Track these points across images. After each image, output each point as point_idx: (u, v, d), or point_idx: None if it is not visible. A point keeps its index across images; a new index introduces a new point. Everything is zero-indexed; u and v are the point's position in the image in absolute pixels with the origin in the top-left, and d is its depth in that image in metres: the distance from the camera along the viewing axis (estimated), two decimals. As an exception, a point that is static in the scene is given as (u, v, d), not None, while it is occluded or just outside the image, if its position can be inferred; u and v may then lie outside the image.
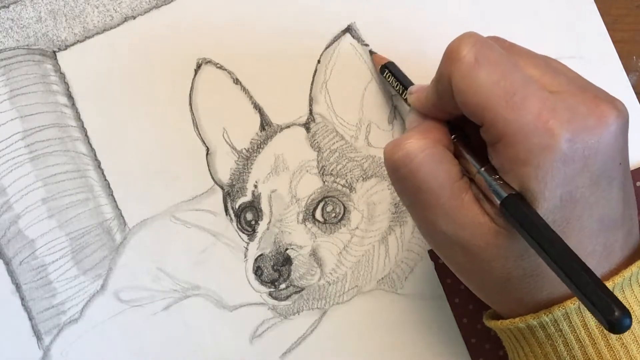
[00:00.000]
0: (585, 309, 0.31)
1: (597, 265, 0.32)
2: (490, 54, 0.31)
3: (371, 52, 0.43)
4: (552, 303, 0.32)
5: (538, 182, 0.30)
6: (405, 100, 0.38)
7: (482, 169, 0.33)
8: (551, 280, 0.32)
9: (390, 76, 0.40)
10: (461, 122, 0.34)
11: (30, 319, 0.43)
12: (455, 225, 0.32)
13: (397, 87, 0.40)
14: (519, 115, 0.30)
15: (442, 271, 0.42)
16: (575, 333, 0.32)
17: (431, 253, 0.43)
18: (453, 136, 0.35)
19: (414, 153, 0.33)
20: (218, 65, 0.43)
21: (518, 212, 0.30)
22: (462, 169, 0.34)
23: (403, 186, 0.34)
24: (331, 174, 0.43)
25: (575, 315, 0.32)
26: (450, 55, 0.32)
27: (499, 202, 0.31)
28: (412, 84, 0.39)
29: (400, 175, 0.33)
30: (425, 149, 0.33)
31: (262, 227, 0.43)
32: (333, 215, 0.42)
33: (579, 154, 0.30)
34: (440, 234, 0.33)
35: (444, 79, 0.32)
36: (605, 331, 0.31)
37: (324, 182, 0.43)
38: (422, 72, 0.43)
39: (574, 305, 0.32)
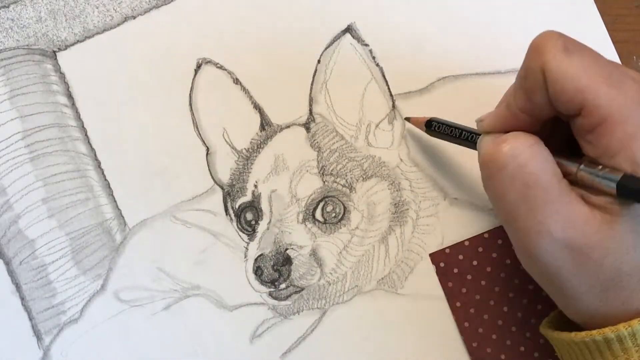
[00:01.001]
0: None
1: None
2: (576, 42, 0.32)
3: (407, 119, 0.42)
4: None
5: None
6: (467, 140, 0.37)
7: (582, 165, 0.32)
8: None
9: (441, 126, 0.39)
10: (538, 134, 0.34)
11: (30, 319, 0.43)
12: (567, 224, 0.31)
13: (453, 133, 0.38)
14: (621, 92, 0.30)
15: (443, 275, 0.42)
16: None
17: (432, 256, 0.43)
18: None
19: (522, 146, 0.32)
20: (218, 65, 0.43)
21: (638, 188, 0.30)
22: None
23: (508, 183, 0.32)
24: (331, 174, 0.43)
25: None
26: (540, 48, 0.32)
27: (614, 186, 0.30)
28: (464, 126, 0.38)
29: (508, 171, 0.32)
30: (531, 145, 0.32)
31: (262, 227, 0.43)
32: (333, 215, 0.42)
33: None
34: (547, 237, 0.32)
35: (535, 73, 0.32)
36: None
37: (324, 182, 0.43)
38: (422, 72, 0.43)
39: None
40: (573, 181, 0.33)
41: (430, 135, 0.41)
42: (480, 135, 0.36)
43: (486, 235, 0.42)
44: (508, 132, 0.34)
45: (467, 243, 0.42)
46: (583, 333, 0.33)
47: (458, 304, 0.42)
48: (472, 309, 0.42)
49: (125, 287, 0.43)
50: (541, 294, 0.41)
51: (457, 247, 0.42)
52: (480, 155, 0.34)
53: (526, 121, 0.34)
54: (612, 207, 0.31)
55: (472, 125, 0.37)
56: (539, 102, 0.32)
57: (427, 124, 0.40)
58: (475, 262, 0.42)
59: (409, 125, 0.43)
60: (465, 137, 0.38)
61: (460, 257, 0.42)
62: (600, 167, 0.31)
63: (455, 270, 0.42)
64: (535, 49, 0.32)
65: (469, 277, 0.42)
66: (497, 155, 0.32)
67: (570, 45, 0.32)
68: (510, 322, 0.42)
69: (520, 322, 0.42)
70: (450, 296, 0.42)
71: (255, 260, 0.42)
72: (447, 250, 0.42)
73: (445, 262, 0.42)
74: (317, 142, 0.43)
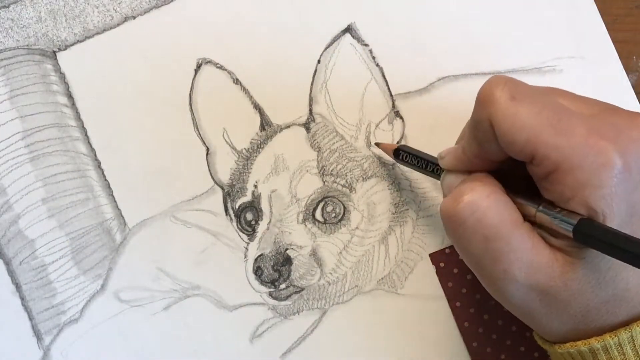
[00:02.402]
0: None
1: None
2: (523, 89, 0.31)
3: (377, 144, 0.42)
4: (633, 321, 0.32)
5: (605, 200, 0.30)
6: (433, 172, 0.38)
7: (540, 207, 0.32)
8: (629, 300, 0.32)
9: (408, 156, 0.40)
10: (497, 174, 0.34)
11: (31, 319, 0.43)
12: (531, 270, 0.32)
13: (419, 164, 0.39)
14: (569, 139, 0.30)
15: (443, 275, 0.42)
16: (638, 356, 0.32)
17: (432, 256, 0.43)
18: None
19: (479, 200, 0.32)
20: (218, 65, 0.43)
21: (596, 232, 0.30)
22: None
23: (469, 238, 0.33)
24: (331, 174, 0.43)
25: None
26: (485, 99, 0.31)
27: (570, 230, 0.31)
28: (431, 156, 0.38)
29: (468, 227, 0.32)
30: (488, 195, 0.32)
31: (262, 227, 0.43)
32: (333, 215, 0.42)
33: (634, 166, 0.30)
34: (514, 283, 0.32)
35: (483, 124, 0.32)
36: None
37: (324, 182, 0.43)
38: (422, 72, 0.43)
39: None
40: (534, 222, 0.33)
41: (398, 163, 0.41)
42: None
43: (486, 235, 0.42)
44: (471, 165, 0.34)
45: (467, 243, 0.42)
46: (567, 344, 0.33)
47: (458, 304, 0.42)
48: (472, 309, 0.42)
49: (125, 287, 0.43)
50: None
51: (457, 247, 0.42)
52: (441, 210, 0.34)
53: (482, 164, 0.34)
54: (573, 249, 0.32)
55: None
56: (492, 150, 0.32)
57: (394, 152, 0.41)
58: (475, 262, 0.42)
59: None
60: (430, 169, 0.38)
61: (460, 258, 0.42)
62: (558, 209, 0.31)
63: (455, 271, 0.42)
64: (482, 100, 0.32)
65: (468, 277, 0.42)
66: (455, 212, 0.32)
67: (518, 93, 0.31)
68: (510, 322, 0.42)
69: (520, 322, 0.42)
70: (450, 296, 0.42)
71: (255, 260, 0.42)
72: (447, 251, 0.42)
73: (445, 262, 0.42)
74: (317, 142, 0.43)
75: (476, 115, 0.32)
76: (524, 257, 0.32)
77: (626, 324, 0.32)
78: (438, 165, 0.37)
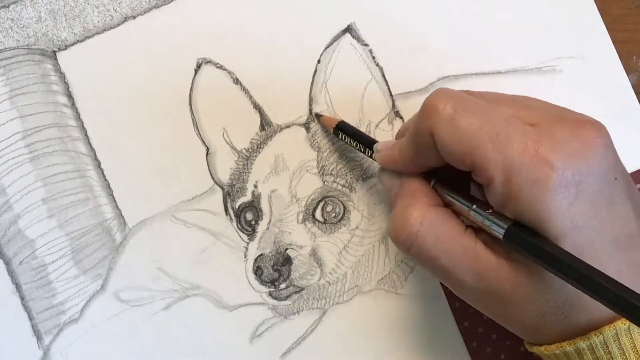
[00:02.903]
0: (635, 328, 0.31)
1: (630, 284, 0.32)
2: (467, 103, 0.32)
3: (317, 115, 0.43)
4: (594, 328, 0.32)
5: (536, 214, 0.30)
6: (366, 154, 0.39)
7: (474, 206, 0.33)
8: (585, 305, 0.32)
9: (347, 137, 0.40)
10: (432, 171, 0.35)
11: (30, 318, 0.43)
12: (479, 278, 0.32)
13: (356, 145, 0.40)
14: (506, 153, 0.30)
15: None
16: (624, 355, 0.32)
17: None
18: (432, 183, 0.35)
19: (414, 229, 0.33)
20: (218, 65, 0.43)
21: (524, 239, 0.30)
22: (462, 218, 0.34)
23: (420, 260, 0.34)
24: (331, 174, 0.43)
25: (625, 336, 0.31)
26: (429, 111, 0.32)
27: (501, 236, 0.31)
28: (370, 138, 0.39)
29: (413, 253, 0.34)
30: (422, 219, 0.33)
31: (262, 227, 0.43)
32: (333, 215, 0.42)
33: (570, 179, 0.30)
34: (471, 290, 0.33)
35: (424, 133, 0.33)
36: None
37: (324, 182, 0.43)
38: (422, 72, 0.43)
39: (624, 325, 0.31)
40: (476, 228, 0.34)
41: (337, 139, 0.42)
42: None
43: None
44: (405, 167, 0.36)
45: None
46: (553, 346, 0.33)
47: (458, 304, 0.42)
48: (471, 309, 0.42)
49: (126, 287, 0.43)
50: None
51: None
52: (389, 236, 0.36)
53: (416, 168, 0.35)
54: (512, 255, 0.32)
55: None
56: (430, 157, 0.33)
57: (334, 130, 0.41)
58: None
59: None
60: (367, 153, 0.39)
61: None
62: (490, 210, 0.32)
63: (455, 270, 0.42)
64: (425, 111, 0.33)
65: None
66: (398, 242, 0.34)
67: (460, 107, 0.32)
68: (510, 322, 0.42)
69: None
70: (450, 296, 0.42)
71: (255, 260, 0.42)
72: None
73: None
74: (317, 142, 0.43)
75: (418, 125, 0.33)
76: (471, 267, 0.33)
77: (589, 329, 0.32)
78: (371, 149, 0.38)
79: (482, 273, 0.32)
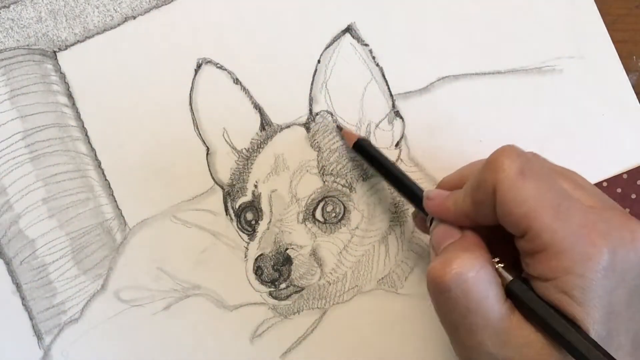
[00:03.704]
0: None
1: None
2: (534, 166, 0.32)
3: (339, 128, 0.43)
4: None
5: (583, 291, 0.30)
6: (386, 177, 0.39)
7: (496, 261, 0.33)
8: None
9: (366, 155, 0.40)
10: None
11: (31, 318, 0.43)
12: (506, 348, 0.32)
13: (374, 164, 0.40)
14: (565, 225, 0.30)
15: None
16: None
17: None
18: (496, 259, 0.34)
19: (468, 273, 0.32)
20: (218, 65, 0.43)
21: (524, 295, 0.31)
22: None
23: (450, 307, 0.33)
24: (331, 174, 0.43)
25: None
26: (495, 166, 0.32)
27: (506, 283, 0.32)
28: (388, 159, 0.39)
29: (452, 296, 0.32)
30: (478, 268, 0.32)
31: (262, 226, 0.43)
32: (333, 215, 0.43)
33: (618, 266, 0.30)
34: (486, 355, 0.32)
35: (486, 189, 0.32)
36: None
37: (324, 182, 0.43)
38: (422, 72, 0.43)
39: None
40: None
41: (356, 154, 0.42)
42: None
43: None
44: (458, 220, 0.35)
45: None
46: None
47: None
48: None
49: (126, 287, 0.43)
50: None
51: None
52: (428, 274, 0.34)
53: (468, 223, 0.34)
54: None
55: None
56: (485, 213, 0.33)
57: (354, 146, 0.41)
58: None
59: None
60: (384, 172, 0.39)
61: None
62: (497, 259, 0.33)
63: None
64: (491, 167, 0.32)
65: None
66: (442, 279, 0.33)
67: (527, 168, 0.31)
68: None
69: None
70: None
71: (256, 260, 0.42)
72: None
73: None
74: (317, 142, 0.43)
75: (481, 178, 0.33)
76: (501, 335, 0.32)
77: None
78: (392, 173, 0.38)
79: (513, 343, 0.32)
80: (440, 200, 0.36)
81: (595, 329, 0.30)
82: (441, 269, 0.33)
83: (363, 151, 0.41)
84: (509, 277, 0.32)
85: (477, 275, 0.32)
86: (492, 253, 0.34)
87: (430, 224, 0.36)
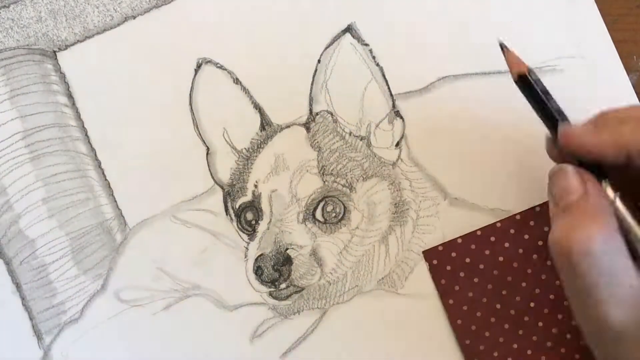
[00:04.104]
0: None
1: None
2: None
3: (503, 47, 0.37)
4: None
5: None
6: (546, 122, 0.36)
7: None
8: None
9: (529, 89, 0.36)
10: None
11: (31, 318, 0.43)
12: (630, 317, 0.31)
13: (536, 103, 0.36)
14: None
15: (436, 272, 0.42)
16: None
17: (425, 253, 0.43)
18: (615, 196, 0.33)
19: (594, 245, 0.31)
20: (218, 65, 0.43)
21: None
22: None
23: (576, 278, 0.32)
24: (331, 174, 0.43)
25: None
26: None
27: None
28: (557, 108, 0.36)
29: (576, 268, 0.31)
30: (604, 241, 0.31)
31: (262, 226, 0.43)
32: (333, 215, 0.42)
33: None
34: (609, 328, 0.31)
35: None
36: None
37: (324, 181, 0.43)
38: (422, 72, 0.43)
39: None
40: None
41: (517, 86, 0.36)
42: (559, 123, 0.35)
43: (479, 233, 0.42)
44: (585, 155, 0.33)
45: (459, 240, 0.42)
46: None
47: (451, 302, 0.42)
48: (465, 307, 0.42)
49: (126, 287, 0.43)
50: (534, 291, 0.41)
51: (450, 244, 0.42)
52: (550, 242, 0.33)
53: (604, 155, 0.33)
54: None
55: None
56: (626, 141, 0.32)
57: (520, 79, 0.36)
58: (468, 260, 0.42)
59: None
60: (547, 114, 0.36)
61: (453, 254, 0.42)
62: None
63: (448, 268, 0.42)
64: None
65: (461, 274, 0.42)
66: (570, 250, 0.32)
67: None
68: (503, 320, 0.42)
69: (513, 320, 0.42)
70: (443, 294, 0.42)
71: (256, 260, 0.42)
72: (440, 248, 0.42)
73: (438, 259, 0.42)
74: (317, 142, 0.43)
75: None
76: (628, 307, 0.31)
77: None
78: (555, 118, 0.35)
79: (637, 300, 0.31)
80: (579, 132, 0.34)
81: None
82: (567, 238, 0.32)
83: (526, 86, 0.36)
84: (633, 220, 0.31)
85: (604, 248, 0.31)
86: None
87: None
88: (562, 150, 0.35)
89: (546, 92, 0.36)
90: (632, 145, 0.32)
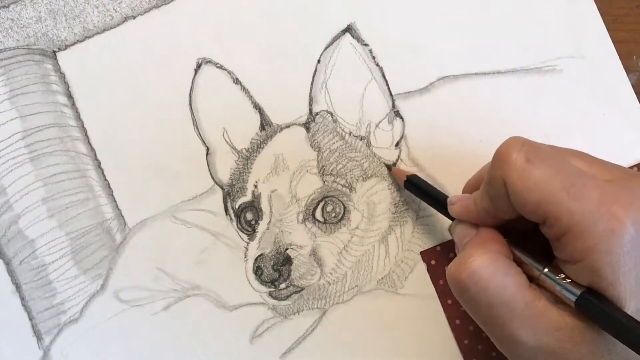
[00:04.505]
0: None
1: None
2: (540, 152, 0.32)
3: (389, 167, 0.43)
4: None
5: (611, 267, 0.30)
6: (439, 209, 0.39)
7: (546, 270, 0.32)
8: None
9: (417, 190, 0.41)
10: (509, 227, 0.35)
11: (31, 318, 0.43)
12: (538, 333, 0.32)
13: (426, 198, 0.40)
14: (582, 204, 0.30)
15: (435, 272, 0.42)
16: None
17: (423, 254, 0.43)
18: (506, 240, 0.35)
19: (481, 270, 0.32)
20: (218, 65, 0.43)
21: (595, 309, 0.30)
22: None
23: (474, 305, 0.33)
24: (331, 174, 0.43)
25: None
26: (501, 159, 0.32)
27: (572, 300, 0.31)
28: (441, 192, 0.39)
29: (471, 295, 0.33)
30: (490, 263, 0.32)
31: (262, 227, 0.43)
32: (333, 215, 0.42)
33: None
34: (521, 345, 0.32)
35: (497, 183, 0.32)
36: None
37: (324, 182, 0.43)
38: (422, 72, 0.43)
39: None
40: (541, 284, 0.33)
41: (408, 190, 0.42)
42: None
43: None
44: (481, 219, 0.35)
45: (460, 241, 0.42)
46: None
47: (449, 302, 0.42)
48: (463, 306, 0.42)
49: (125, 287, 0.43)
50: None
51: (448, 244, 0.42)
52: (447, 275, 0.34)
53: (492, 220, 0.34)
54: (579, 314, 0.31)
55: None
56: (503, 207, 0.33)
57: (405, 183, 0.41)
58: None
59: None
60: (437, 205, 0.39)
61: (451, 255, 0.42)
62: (562, 276, 0.32)
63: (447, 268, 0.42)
64: (498, 160, 0.32)
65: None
66: (459, 279, 0.33)
67: (533, 155, 0.31)
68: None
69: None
70: (442, 294, 0.42)
71: (255, 260, 0.42)
72: (438, 248, 0.42)
73: (436, 259, 0.42)
74: (317, 142, 0.43)
75: (491, 174, 0.33)
76: (529, 322, 0.32)
77: None
78: (445, 203, 0.38)
79: (541, 329, 0.32)
80: (462, 202, 0.36)
81: (629, 305, 0.30)
82: (457, 270, 0.33)
83: (414, 187, 0.41)
84: (539, 268, 0.32)
85: (491, 269, 0.32)
86: (527, 245, 0.33)
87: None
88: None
89: (428, 185, 0.41)
90: (500, 212, 0.34)
